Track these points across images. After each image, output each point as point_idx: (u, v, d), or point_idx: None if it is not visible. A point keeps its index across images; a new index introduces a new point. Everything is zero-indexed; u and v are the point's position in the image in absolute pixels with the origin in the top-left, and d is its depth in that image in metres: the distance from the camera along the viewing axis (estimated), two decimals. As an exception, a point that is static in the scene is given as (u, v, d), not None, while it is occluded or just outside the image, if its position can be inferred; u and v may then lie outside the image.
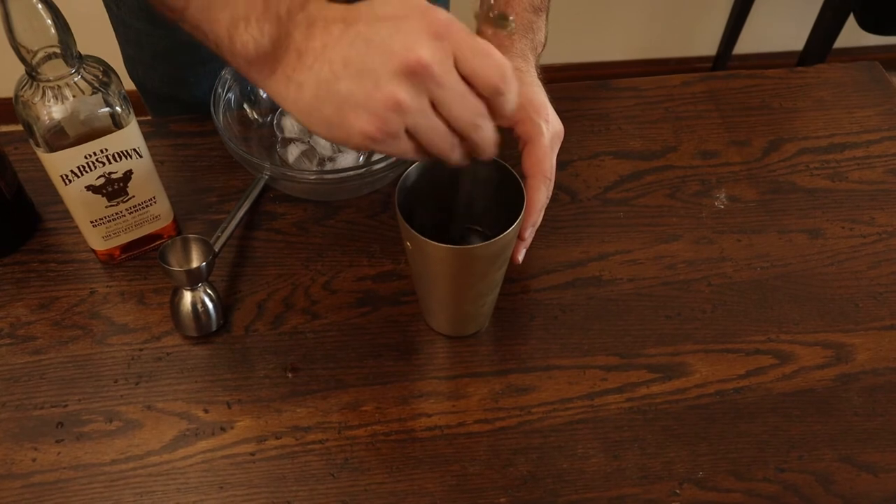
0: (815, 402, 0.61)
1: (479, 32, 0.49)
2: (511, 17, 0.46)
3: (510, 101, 0.45)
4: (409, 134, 0.45)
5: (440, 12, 0.43)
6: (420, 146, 0.46)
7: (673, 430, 0.59)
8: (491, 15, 0.48)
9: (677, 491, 0.56)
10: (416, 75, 0.42)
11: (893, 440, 0.59)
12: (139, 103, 0.91)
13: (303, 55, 0.45)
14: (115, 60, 0.83)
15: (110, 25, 0.87)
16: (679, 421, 0.60)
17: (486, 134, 0.46)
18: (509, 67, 0.44)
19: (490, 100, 0.45)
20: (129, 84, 0.88)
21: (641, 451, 0.58)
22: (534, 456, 0.58)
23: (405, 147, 0.45)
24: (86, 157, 0.58)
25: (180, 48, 0.82)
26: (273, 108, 0.74)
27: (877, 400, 0.61)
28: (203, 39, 0.50)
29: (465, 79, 0.44)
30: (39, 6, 0.50)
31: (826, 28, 1.64)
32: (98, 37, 0.92)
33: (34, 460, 0.56)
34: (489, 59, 0.43)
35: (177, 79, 0.86)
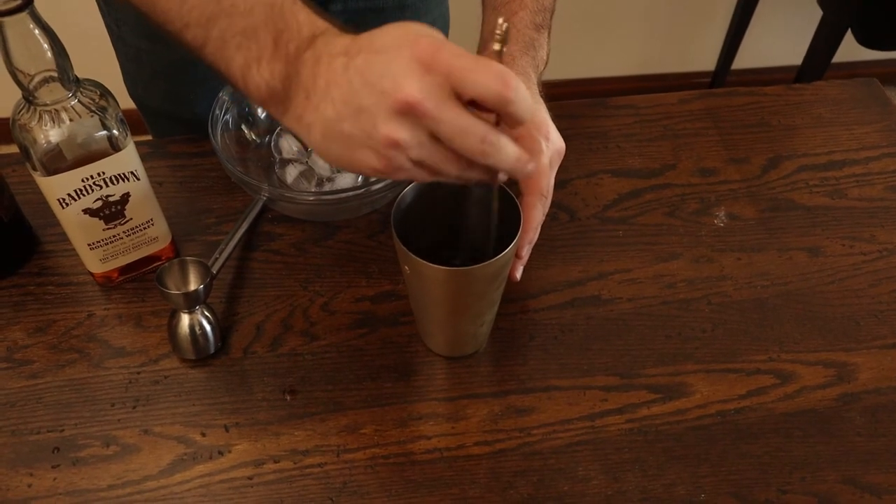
0: (817, 422, 0.60)
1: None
2: (501, 29, 0.45)
3: (522, 106, 0.42)
4: (419, 163, 0.44)
5: (429, 39, 0.42)
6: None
7: (674, 451, 0.59)
8: (496, 47, 0.46)
9: (679, 513, 0.56)
10: (408, 114, 0.42)
11: (896, 461, 0.59)
12: (139, 121, 0.91)
13: (310, 95, 0.45)
14: (115, 77, 0.83)
15: (110, 43, 0.87)
16: (680, 442, 0.59)
17: (501, 155, 0.44)
18: (510, 72, 0.42)
19: (501, 111, 0.43)
20: (128, 102, 0.88)
21: (642, 473, 0.57)
22: (534, 478, 0.57)
23: (418, 174, 0.45)
24: (83, 181, 0.58)
25: (180, 66, 0.82)
26: (271, 128, 0.74)
27: (879, 420, 0.61)
28: (221, 76, 0.51)
29: (470, 98, 0.42)
30: (36, 31, 0.50)
31: (824, 43, 1.65)
32: (98, 55, 0.93)
33: (30, 486, 0.56)
34: (486, 71, 0.41)
35: (177, 96, 0.86)
